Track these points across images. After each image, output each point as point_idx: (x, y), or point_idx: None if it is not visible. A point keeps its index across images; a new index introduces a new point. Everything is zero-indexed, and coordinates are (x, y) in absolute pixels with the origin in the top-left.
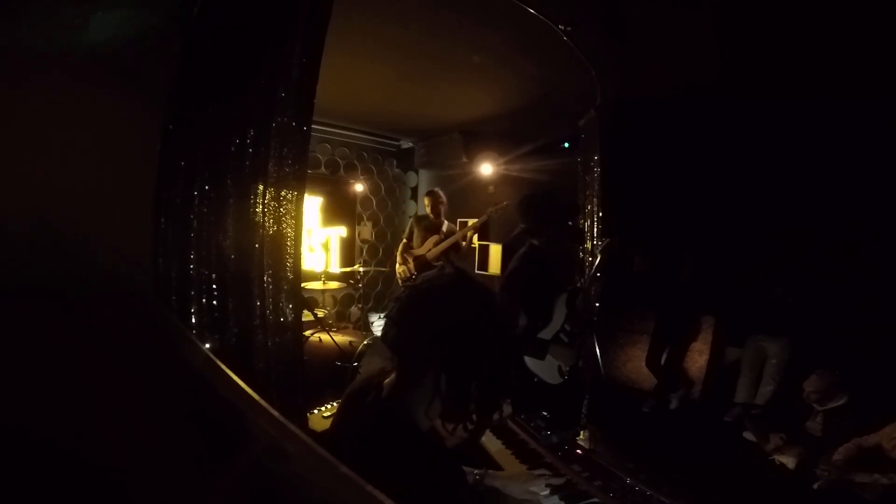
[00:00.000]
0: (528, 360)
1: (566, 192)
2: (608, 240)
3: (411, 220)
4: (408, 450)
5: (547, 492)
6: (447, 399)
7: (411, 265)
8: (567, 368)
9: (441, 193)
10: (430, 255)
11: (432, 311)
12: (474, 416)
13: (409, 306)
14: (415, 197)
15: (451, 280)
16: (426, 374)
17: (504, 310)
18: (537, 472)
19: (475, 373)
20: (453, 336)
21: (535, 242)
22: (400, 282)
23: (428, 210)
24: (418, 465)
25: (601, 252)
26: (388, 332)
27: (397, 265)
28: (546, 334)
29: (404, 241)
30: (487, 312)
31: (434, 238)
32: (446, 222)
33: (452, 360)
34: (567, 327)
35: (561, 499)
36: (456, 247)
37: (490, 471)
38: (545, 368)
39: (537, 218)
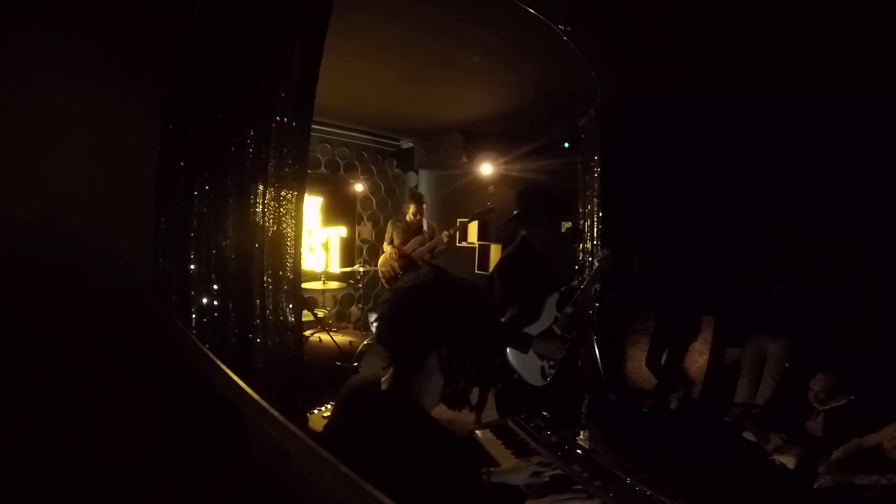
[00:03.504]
0: (511, 356)
1: (566, 192)
2: (608, 251)
3: (390, 222)
4: (419, 442)
5: (548, 477)
6: (445, 383)
7: (397, 265)
8: (551, 368)
9: (424, 197)
10: (415, 255)
11: (416, 305)
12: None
13: (395, 305)
14: None
15: (428, 276)
16: (421, 363)
17: (485, 297)
18: (533, 458)
19: (465, 356)
20: (438, 326)
21: (525, 233)
22: (383, 281)
23: (412, 212)
24: (431, 461)
25: (600, 262)
26: (380, 332)
27: (380, 265)
28: (533, 330)
29: (386, 243)
30: (465, 300)
31: (419, 238)
32: (426, 222)
33: (442, 347)
34: (556, 329)
35: (561, 498)
36: (433, 248)
37: (492, 469)
38: (527, 367)
39: (529, 207)
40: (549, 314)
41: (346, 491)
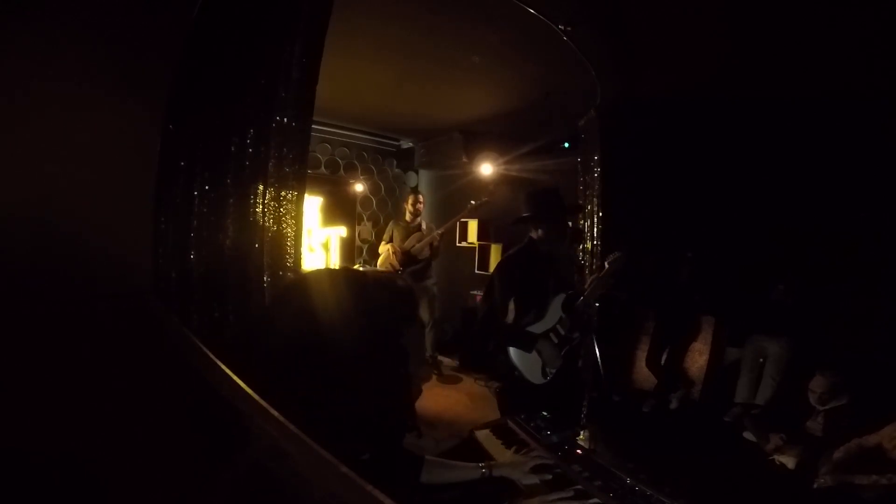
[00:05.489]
0: (512, 352)
1: (566, 192)
2: (619, 253)
3: (391, 222)
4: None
5: (549, 476)
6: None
7: (395, 260)
8: (551, 370)
9: (421, 194)
10: (414, 251)
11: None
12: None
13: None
14: None
15: (267, 316)
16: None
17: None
18: (533, 454)
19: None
20: (307, 360)
21: (534, 236)
22: None
23: (409, 203)
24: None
25: (611, 264)
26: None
27: (380, 264)
28: (536, 329)
29: (383, 242)
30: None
31: (417, 235)
32: (425, 223)
33: (324, 384)
34: (560, 329)
35: (561, 498)
36: (431, 245)
37: (491, 462)
38: (529, 365)
39: (543, 210)
40: (553, 315)
41: (346, 491)
